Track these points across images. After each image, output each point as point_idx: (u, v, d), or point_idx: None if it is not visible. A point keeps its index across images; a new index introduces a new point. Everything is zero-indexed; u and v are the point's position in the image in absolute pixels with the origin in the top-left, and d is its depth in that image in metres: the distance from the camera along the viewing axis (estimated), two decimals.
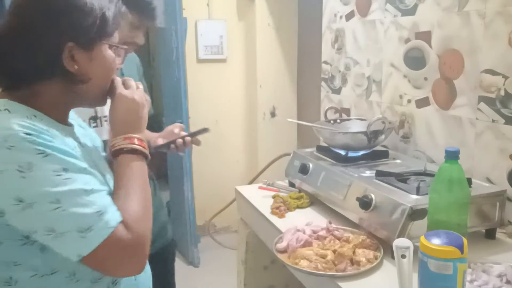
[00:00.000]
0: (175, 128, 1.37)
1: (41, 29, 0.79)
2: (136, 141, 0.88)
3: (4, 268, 0.78)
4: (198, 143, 1.36)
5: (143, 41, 1.33)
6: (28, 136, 0.74)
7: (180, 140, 1.32)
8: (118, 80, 0.91)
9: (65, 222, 0.75)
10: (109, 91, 0.90)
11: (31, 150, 0.74)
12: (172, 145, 1.33)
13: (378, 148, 1.62)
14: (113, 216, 0.78)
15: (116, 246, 0.78)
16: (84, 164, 0.79)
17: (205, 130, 1.33)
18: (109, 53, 0.87)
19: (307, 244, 1.19)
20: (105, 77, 0.88)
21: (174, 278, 1.72)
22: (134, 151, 0.87)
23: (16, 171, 0.72)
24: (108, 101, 0.93)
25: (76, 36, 0.81)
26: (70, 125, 0.91)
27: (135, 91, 0.92)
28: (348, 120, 1.81)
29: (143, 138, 0.90)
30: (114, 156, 0.87)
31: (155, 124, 1.35)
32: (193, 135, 1.35)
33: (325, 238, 1.22)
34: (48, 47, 0.80)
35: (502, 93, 1.29)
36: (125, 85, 0.92)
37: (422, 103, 1.59)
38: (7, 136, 0.73)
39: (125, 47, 0.98)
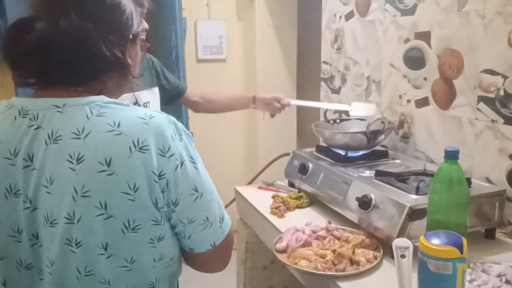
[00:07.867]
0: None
1: (121, 20, 0.78)
2: None
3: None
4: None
5: (147, 25, 1.58)
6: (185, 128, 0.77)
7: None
8: None
9: (213, 212, 0.79)
10: None
11: (191, 141, 0.77)
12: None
13: (378, 148, 1.62)
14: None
15: (231, 237, 0.84)
16: None
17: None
18: (138, 47, 0.87)
19: (306, 244, 1.19)
20: (135, 71, 0.86)
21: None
22: None
23: (190, 162, 0.75)
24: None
25: (131, 30, 0.81)
26: None
27: None
28: (347, 120, 1.81)
29: None
30: None
31: None
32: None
33: (324, 238, 1.22)
34: (123, 39, 0.79)
35: (502, 93, 1.29)
36: None
37: (422, 103, 1.59)
38: (178, 129, 0.75)
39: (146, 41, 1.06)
